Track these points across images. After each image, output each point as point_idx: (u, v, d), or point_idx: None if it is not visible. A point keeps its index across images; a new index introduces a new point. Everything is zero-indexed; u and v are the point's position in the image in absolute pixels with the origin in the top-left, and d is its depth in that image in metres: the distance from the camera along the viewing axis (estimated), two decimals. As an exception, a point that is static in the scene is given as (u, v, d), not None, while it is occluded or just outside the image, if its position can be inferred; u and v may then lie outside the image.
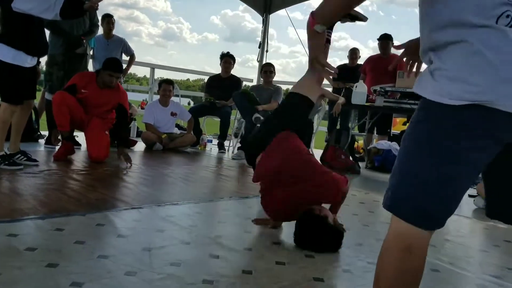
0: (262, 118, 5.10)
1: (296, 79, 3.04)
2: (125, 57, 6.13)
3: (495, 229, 3.08)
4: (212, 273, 1.75)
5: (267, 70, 5.79)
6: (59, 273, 1.60)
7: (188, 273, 1.74)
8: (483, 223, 3.21)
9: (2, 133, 3.32)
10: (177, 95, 6.65)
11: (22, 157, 3.50)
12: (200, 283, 1.64)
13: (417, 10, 1.11)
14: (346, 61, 6.69)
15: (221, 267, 1.84)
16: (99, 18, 5.25)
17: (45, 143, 4.64)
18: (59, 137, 4.22)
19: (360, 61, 6.45)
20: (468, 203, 3.89)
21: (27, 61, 3.26)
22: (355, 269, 1.95)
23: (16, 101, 3.28)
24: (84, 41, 4.75)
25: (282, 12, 8.15)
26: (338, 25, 2.70)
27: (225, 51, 6.34)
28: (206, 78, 7.14)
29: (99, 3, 3.49)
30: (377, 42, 5.94)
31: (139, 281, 1.61)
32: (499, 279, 2.03)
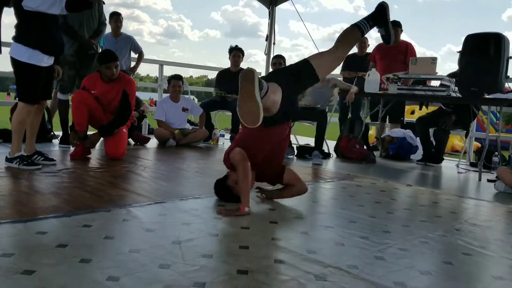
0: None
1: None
2: (133, 55, 6.12)
3: (520, 212, 3.05)
4: (244, 264, 1.73)
5: (276, 62, 5.74)
6: (94, 268, 1.59)
7: (221, 264, 1.73)
8: (506, 207, 3.17)
9: (20, 134, 3.31)
10: (186, 91, 6.63)
11: (39, 157, 3.50)
12: (235, 273, 1.63)
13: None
14: (354, 50, 6.63)
15: (253, 257, 1.82)
16: (107, 16, 5.23)
17: (60, 143, 4.64)
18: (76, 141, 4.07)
19: (369, 50, 6.40)
20: (488, 188, 3.86)
21: (44, 61, 3.26)
22: (388, 256, 1.93)
23: (33, 100, 3.27)
24: (94, 42, 4.74)
25: (281, 5, 8.16)
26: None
27: (233, 45, 6.32)
28: (209, 74, 7.15)
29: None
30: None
31: (173, 273, 1.59)
32: (533, 260, 2.00)
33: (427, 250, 2.08)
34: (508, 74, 4.29)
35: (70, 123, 4.27)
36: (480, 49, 4.23)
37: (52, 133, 5.02)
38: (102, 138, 4.17)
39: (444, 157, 5.48)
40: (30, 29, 3.18)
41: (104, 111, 4.09)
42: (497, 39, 4.18)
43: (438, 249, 2.10)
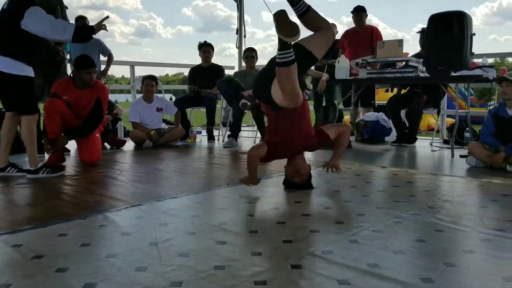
0: (249, 103, 5.10)
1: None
2: (102, 58, 6.06)
3: (491, 185, 3.14)
4: (222, 259, 1.75)
5: (248, 55, 5.77)
6: (70, 276, 1.59)
7: (198, 261, 1.75)
8: (478, 181, 3.26)
9: (34, 146, 3.47)
10: (160, 91, 6.59)
11: (13, 169, 3.47)
12: (212, 269, 1.65)
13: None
14: None
15: (230, 251, 1.85)
16: (71, 21, 5.16)
17: (34, 153, 4.58)
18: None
19: (338, 36, 6.44)
20: (461, 164, 3.95)
21: (32, 72, 3.36)
22: (361, 238, 1.97)
23: (35, 109, 3.44)
24: (60, 49, 4.68)
25: (254, -4, 8.16)
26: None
27: (202, 41, 6.30)
28: (185, 71, 7.11)
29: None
30: (351, 15, 5.92)
31: (150, 275, 1.61)
32: (502, 231, 2.07)
33: (401, 229, 2.13)
34: (473, 51, 4.38)
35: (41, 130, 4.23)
36: (444, 28, 4.31)
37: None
38: (78, 145, 4.13)
39: (419, 136, 5.58)
40: (18, 44, 3.22)
41: (76, 117, 4.04)
42: (460, 17, 4.26)
43: (411, 228, 2.16)
